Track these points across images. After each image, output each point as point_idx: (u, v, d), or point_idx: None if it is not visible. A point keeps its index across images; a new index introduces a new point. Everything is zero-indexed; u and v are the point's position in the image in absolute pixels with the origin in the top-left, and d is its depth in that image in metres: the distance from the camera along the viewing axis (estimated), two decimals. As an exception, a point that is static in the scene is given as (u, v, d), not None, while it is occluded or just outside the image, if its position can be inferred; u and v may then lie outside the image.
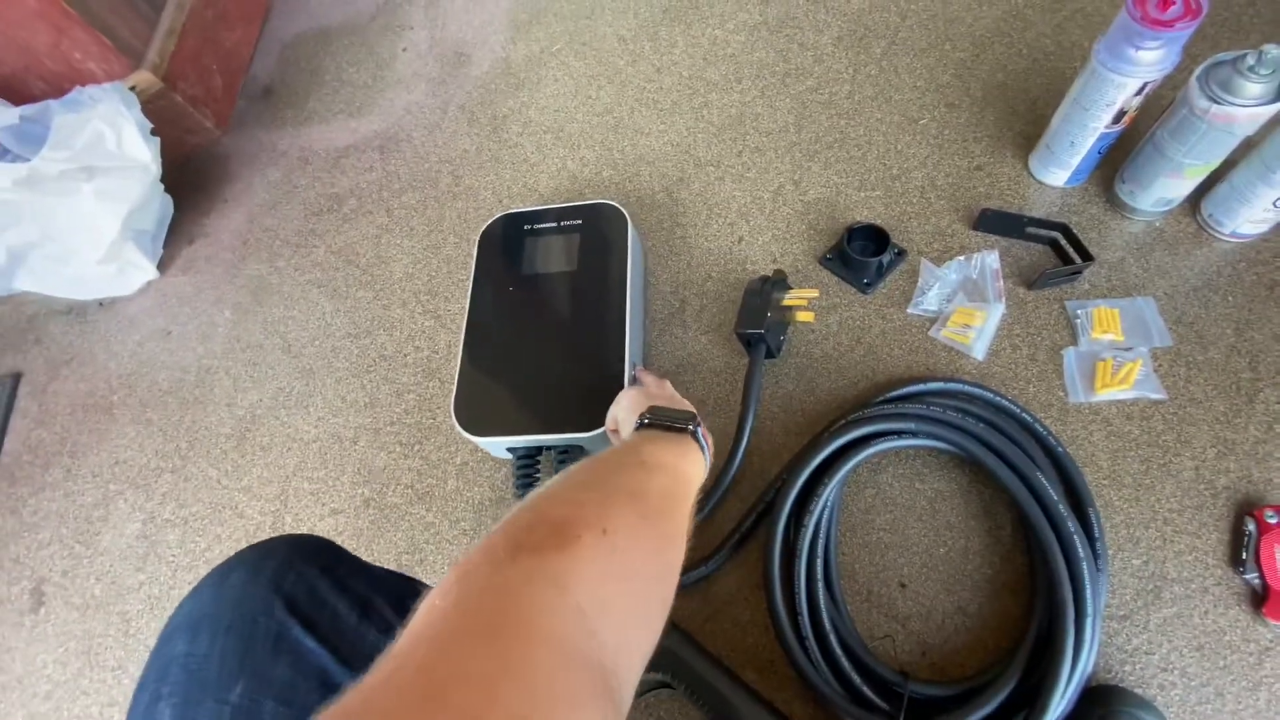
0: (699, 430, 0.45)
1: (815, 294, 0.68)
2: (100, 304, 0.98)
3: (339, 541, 0.72)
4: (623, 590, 0.29)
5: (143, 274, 0.96)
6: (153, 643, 0.41)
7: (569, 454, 0.63)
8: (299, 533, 0.48)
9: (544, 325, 0.68)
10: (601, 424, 0.58)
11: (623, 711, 0.26)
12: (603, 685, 0.24)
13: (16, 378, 0.95)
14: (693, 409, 0.49)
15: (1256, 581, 0.51)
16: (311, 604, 0.42)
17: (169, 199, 1.00)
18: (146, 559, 0.77)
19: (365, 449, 0.76)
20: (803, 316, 0.68)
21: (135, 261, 0.94)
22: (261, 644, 0.39)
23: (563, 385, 0.64)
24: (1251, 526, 0.52)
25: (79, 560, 0.79)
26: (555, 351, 0.66)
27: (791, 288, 0.70)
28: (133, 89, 0.95)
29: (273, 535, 0.73)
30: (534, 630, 0.24)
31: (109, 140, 0.85)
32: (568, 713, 0.22)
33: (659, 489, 0.37)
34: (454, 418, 0.65)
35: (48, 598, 0.78)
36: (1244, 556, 0.52)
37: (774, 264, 0.75)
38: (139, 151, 0.87)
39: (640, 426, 0.45)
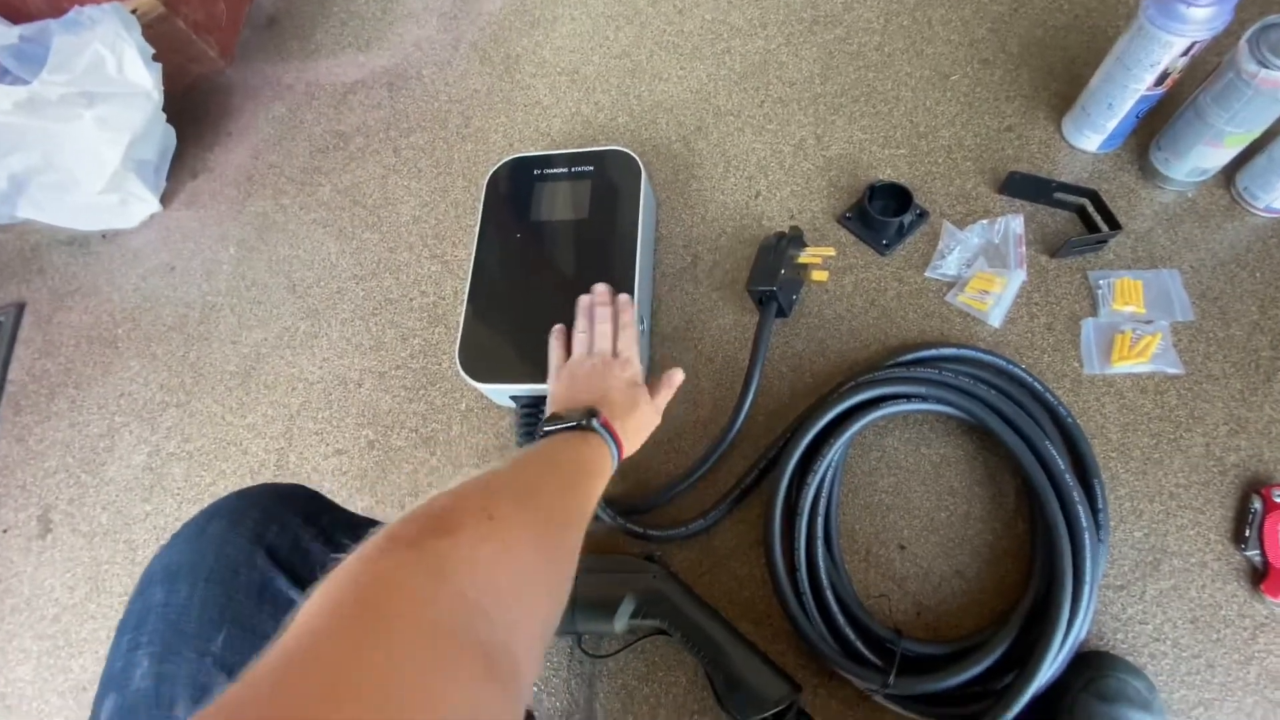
0: (596, 421, 0.47)
1: (831, 253, 0.67)
2: (103, 236, 0.97)
3: (343, 481, 0.73)
4: (512, 572, 0.30)
5: (145, 206, 0.94)
6: (159, 570, 0.41)
7: None
8: (280, 481, 0.48)
9: (551, 274, 0.67)
10: None
11: (521, 684, 0.27)
12: (487, 666, 0.25)
13: (20, 307, 0.95)
14: (601, 396, 0.52)
15: (1258, 558, 0.51)
16: (294, 554, 0.41)
17: (171, 130, 0.97)
18: (152, 490, 0.78)
19: (370, 392, 0.76)
20: (817, 276, 0.67)
21: (137, 193, 0.92)
22: (244, 594, 0.39)
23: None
24: (1258, 504, 0.52)
25: (85, 489, 0.80)
26: (561, 301, 0.65)
27: (808, 245, 0.68)
28: (133, 11, 0.92)
29: (274, 474, 0.74)
30: (402, 619, 0.24)
31: (109, 64, 0.82)
32: (439, 698, 0.22)
33: (552, 479, 0.40)
34: (458, 364, 0.65)
35: (55, 524, 0.79)
36: (1247, 533, 0.52)
37: (791, 220, 0.73)
38: (140, 77, 0.85)
39: (540, 437, 0.48)
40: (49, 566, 0.77)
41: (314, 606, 0.24)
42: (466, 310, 0.67)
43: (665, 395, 0.57)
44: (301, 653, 0.23)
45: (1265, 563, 0.50)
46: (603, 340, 0.57)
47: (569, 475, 0.42)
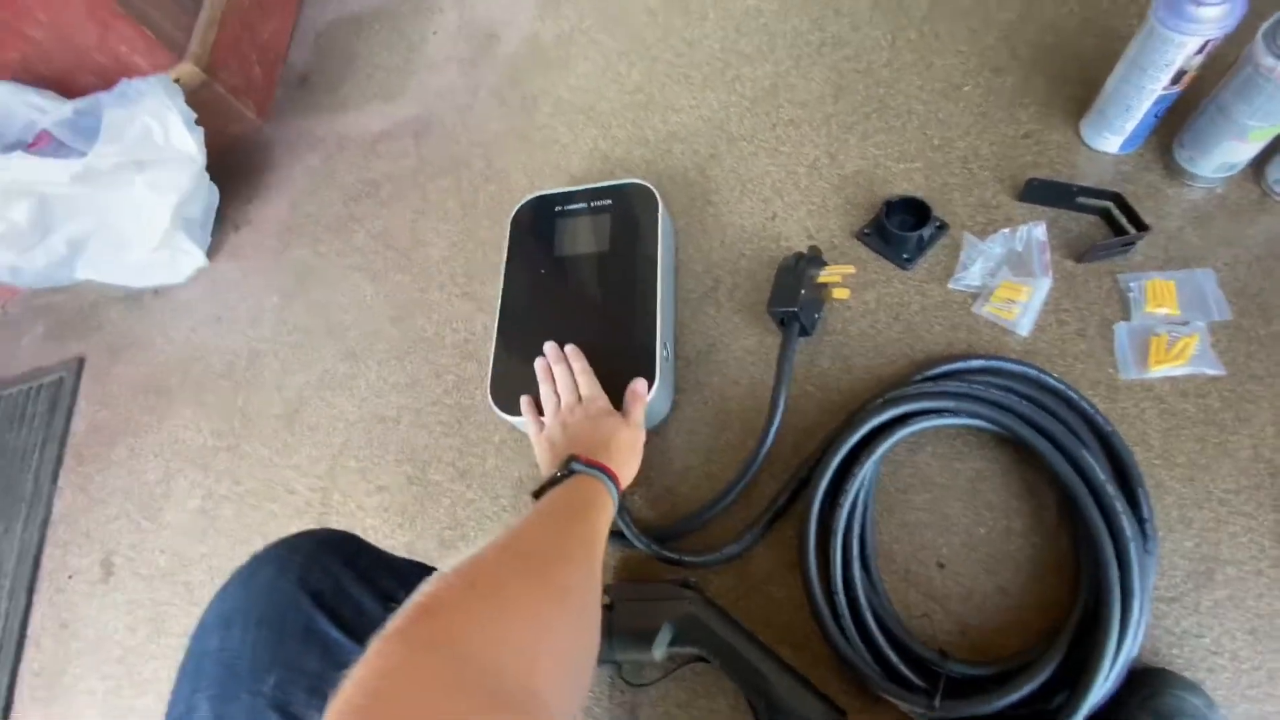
0: (575, 464, 0.50)
1: (851, 270, 0.67)
2: (155, 291, 1.03)
3: (385, 517, 0.75)
4: (510, 621, 0.32)
5: (193, 261, 1.00)
6: (217, 611, 0.43)
7: None
8: (321, 527, 0.51)
9: (576, 306, 0.69)
10: None
11: (552, 712, 0.30)
12: (495, 705, 0.28)
13: (81, 362, 1.01)
14: (574, 442, 0.55)
15: (1318, 564, 0.49)
16: (337, 597, 0.44)
17: (214, 187, 1.03)
18: (207, 533, 0.81)
19: (408, 429, 0.79)
20: (838, 294, 0.67)
21: (186, 249, 0.98)
22: (292, 636, 0.41)
23: (594, 366, 0.64)
24: (1314, 508, 0.50)
25: (145, 534, 0.84)
26: (587, 332, 0.66)
27: (827, 264, 0.68)
28: (176, 80, 0.98)
29: (320, 513, 0.76)
30: (401, 700, 0.27)
31: (156, 134, 0.88)
32: None
33: (540, 529, 0.42)
34: (489, 398, 0.66)
35: (116, 568, 0.83)
36: (1305, 538, 0.50)
37: (809, 240, 0.74)
38: (185, 143, 0.90)
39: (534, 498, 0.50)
40: (112, 609, 0.80)
41: (332, 714, 0.27)
42: (496, 346, 0.69)
43: (637, 408, 0.60)
44: None
45: (1327, 569, 0.48)
46: (566, 392, 0.61)
47: (559, 518, 0.45)
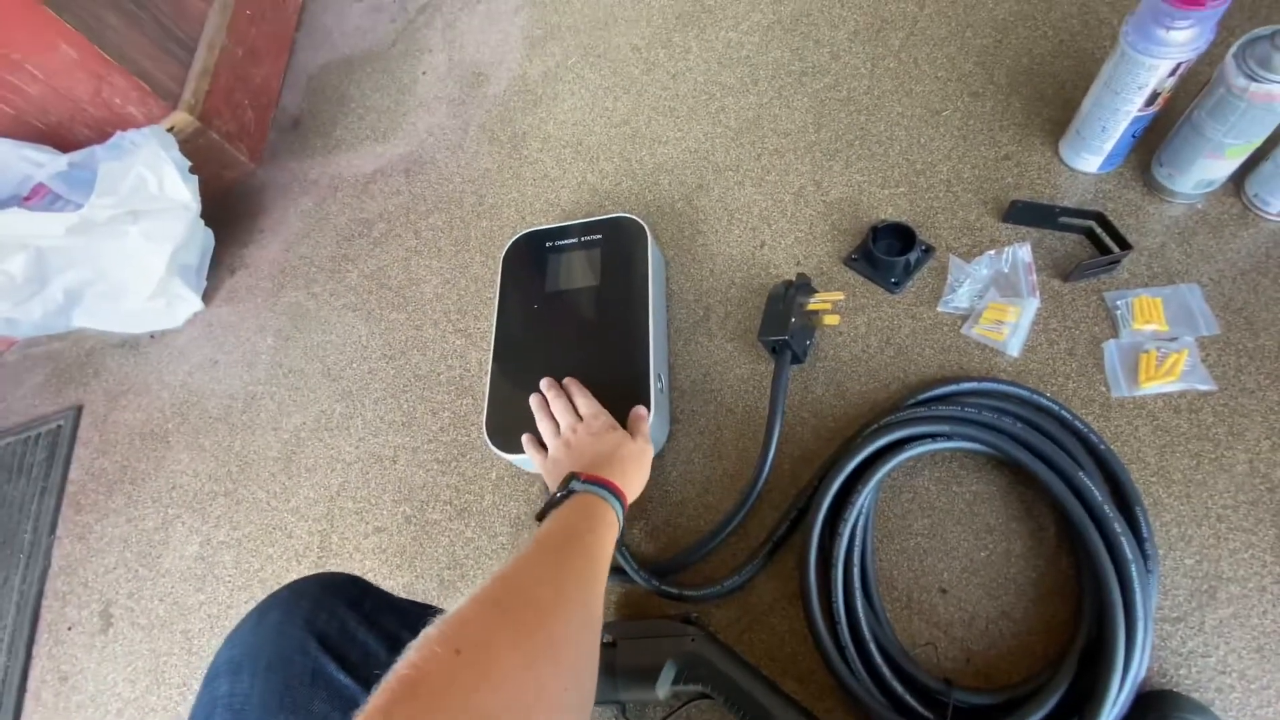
0: (576, 483, 0.50)
1: (840, 297, 0.68)
2: (151, 336, 1.03)
3: (383, 559, 0.75)
4: (498, 688, 0.31)
5: (189, 306, 1.01)
6: (215, 662, 0.43)
7: None
8: (327, 570, 0.51)
9: (569, 340, 0.69)
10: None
11: None
12: None
13: (78, 410, 1.01)
14: (577, 460, 0.55)
15: (1321, 579, 0.49)
16: (343, 640, 0.44)
17: (209, 232, 1.04)
18: (205, 579, 0.80)
19: (404, 468, 0.79)
20: (828, 320, 0.67)
21: (182, 295, 0.98)
22: (299, 680, 0.41)
23: None
24: (1313, 521, 0.50)
25: (143, 582, 0.83)
26: (581, 366, 0.67)
27: (816, 291, 0.69)
28: (170, 130, 1.00)
29: (319, 556, 0.76)
30: None
31: (151, 184, 0.89)
32: None
33: (535, 564, 0.41)
34: (486, 436, 0.67)
35: (115, 619, 0.82)
36: (1306, 553, 0.49)
37: (797, 267, 0.74)
38: (179, 192, 0.91)
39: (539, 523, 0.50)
40: (111, 661, 0.80)
41: None
42: (491, 382, 0.69)
43: (642, 426, 0.61)
44: None
45: (1330, 584, 0.48)
46: (564, 415, 0.62)
47: (556, 551, 0.44)
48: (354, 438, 0.83)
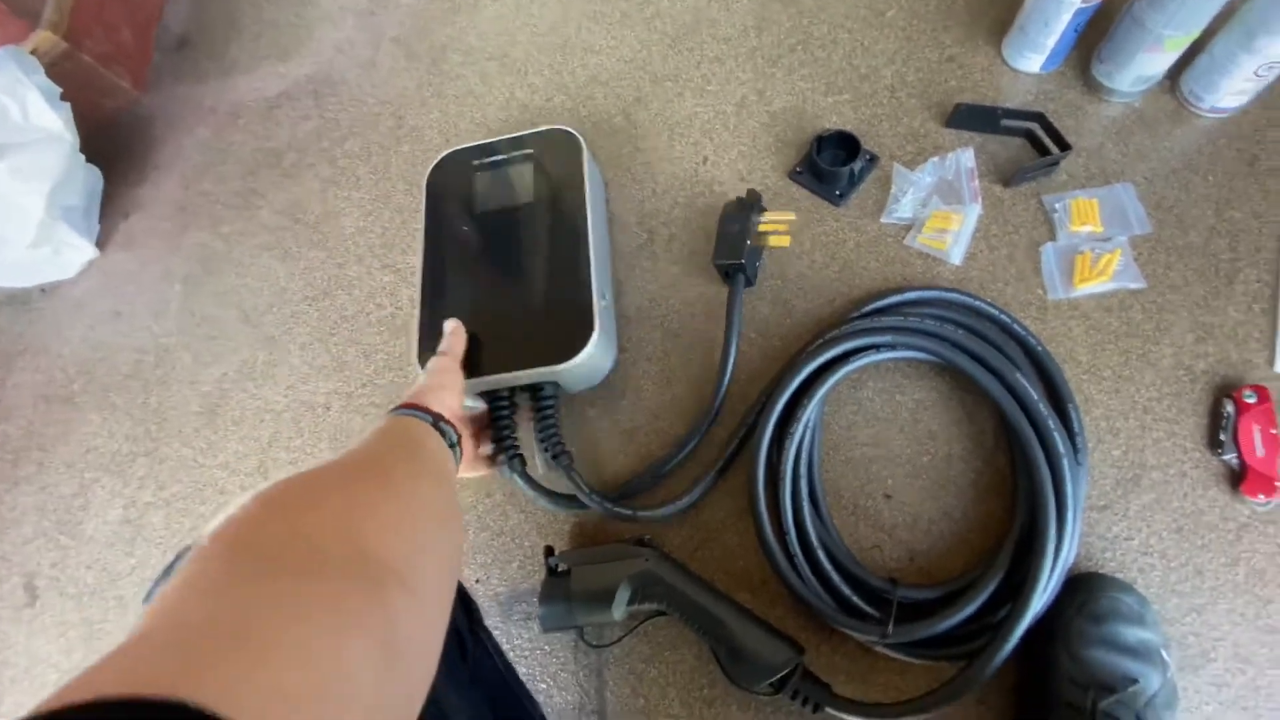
0: (401, 409, 0.49)
1: (792, 217, 0.65)
2: (42, 290, 0.93)
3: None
4: (325, 498, 0.33)
5: (81, 253, 0.91)
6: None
7: (542, 390, 0.61)
8: None
9: (504, 263, 0.65)
10: (573, 355, 0.58)
11: (410, 591, 0.30)
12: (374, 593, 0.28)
13: (-32, 375, 0.92)
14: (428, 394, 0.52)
15: (1234, 461, 0.51)
16: None
17: (95, 170, 0.93)
18: (134, 543, 0.76)
19: (339, 414, 0.75)
20: (776, 241, 0.65)
21: (70, 241, 0.89)
22: None
23: (529, 321, 0.61)
24: (1230, 408, 0.52)
25: (66, 551, 0.78)
26: (518, 288, 0.63)
27: (766, 209, 0.66)
28: (32, 52, 0.87)
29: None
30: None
31: (14, 112, 0.78)
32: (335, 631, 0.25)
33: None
34: (419, 369, 0.63)
35: (41, 590, 0.77)
36: (1222, 438, 0.52)
37: (742, 183, 0.71)
38: (49, 120, 0.81)
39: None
40: (41, 634, 0.75)
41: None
42: (421, 313, 0.65)
43: (443, 343, 0.59)
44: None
45: (1242, 464, 0.51)
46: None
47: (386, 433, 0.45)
48: (281, 386, 0.78)
